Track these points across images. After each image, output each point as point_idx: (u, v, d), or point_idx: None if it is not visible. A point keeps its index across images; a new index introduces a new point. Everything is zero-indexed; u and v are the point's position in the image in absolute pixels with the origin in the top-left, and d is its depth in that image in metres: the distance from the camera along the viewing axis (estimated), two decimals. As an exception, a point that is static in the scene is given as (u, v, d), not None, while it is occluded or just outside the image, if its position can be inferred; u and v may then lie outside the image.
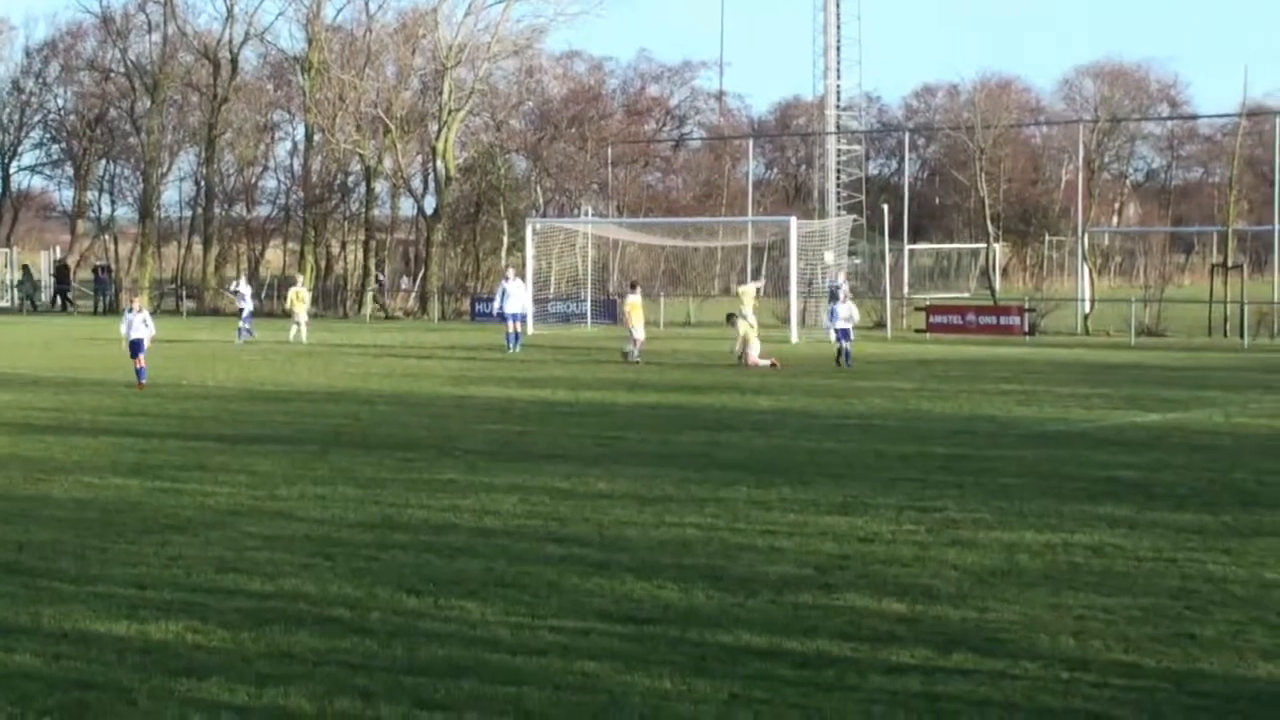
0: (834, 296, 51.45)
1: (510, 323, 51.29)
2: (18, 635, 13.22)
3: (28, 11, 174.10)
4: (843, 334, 45.00)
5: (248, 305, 59.67)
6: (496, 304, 53.17)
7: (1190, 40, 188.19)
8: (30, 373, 42.37)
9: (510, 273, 54.38)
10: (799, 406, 33.04)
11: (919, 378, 40.76)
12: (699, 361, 47.56)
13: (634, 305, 47.94)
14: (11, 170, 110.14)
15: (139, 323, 38.63)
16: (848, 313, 45.78)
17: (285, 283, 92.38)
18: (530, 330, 63.35)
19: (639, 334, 46.91)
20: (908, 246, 77.89)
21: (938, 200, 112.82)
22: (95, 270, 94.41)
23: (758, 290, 53.51)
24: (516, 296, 52.48)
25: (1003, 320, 63.38)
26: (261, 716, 11.18)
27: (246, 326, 57.76)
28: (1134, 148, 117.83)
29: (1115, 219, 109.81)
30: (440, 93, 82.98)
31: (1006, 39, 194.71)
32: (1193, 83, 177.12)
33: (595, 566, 15.86)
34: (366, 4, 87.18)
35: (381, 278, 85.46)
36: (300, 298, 60.81)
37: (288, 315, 60.98)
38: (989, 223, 77.19)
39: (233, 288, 69.47)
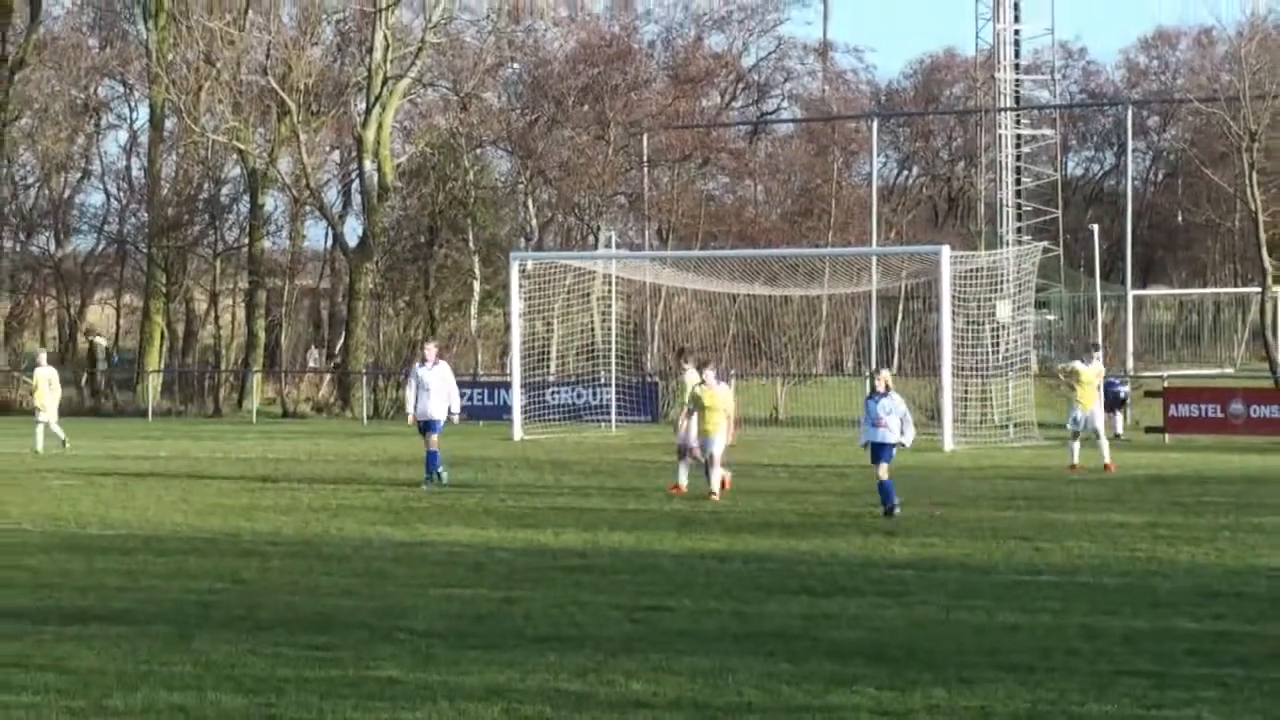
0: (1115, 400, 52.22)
1: (430, 435, 48.36)
2: None
3: None
4: (881, 452, 39.38)
5: (52, 397, 60.55)
6: (410, 401, 50.10)
7: None
8: None
9: (430, 350, 50.58)
10: (957, 556, 33.06)
11: (1153, 507, 40.76)
12: (794, 483, 47.60)
13: (704, 391, 45.13)
14: None
15: None
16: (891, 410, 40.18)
17: (122, 364, 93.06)
18: (518, 433, 63.53)
19: (703, 441, 44.21)
20: (1132, 292, 78.03)
21: (1181, 217, 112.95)
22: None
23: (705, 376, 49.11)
24: (439, 391, 48.92)
25: (1290, 413, 63.28)
26: None
27: (55, 430, 58.74)
28: None
29: None
30: (370, 50, 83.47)
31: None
32: None
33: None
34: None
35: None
36: (51, 383, 63.01)
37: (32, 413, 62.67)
38: (1264, 254, 77.16)
39: (27, 370, 69.85)
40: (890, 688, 21.05)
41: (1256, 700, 20.30)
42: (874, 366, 51.42)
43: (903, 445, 38.85)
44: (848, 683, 21.31)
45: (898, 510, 37.83)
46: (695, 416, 43.54)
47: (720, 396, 44.18)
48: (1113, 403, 63.33)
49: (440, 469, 47.66)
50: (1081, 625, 25.24)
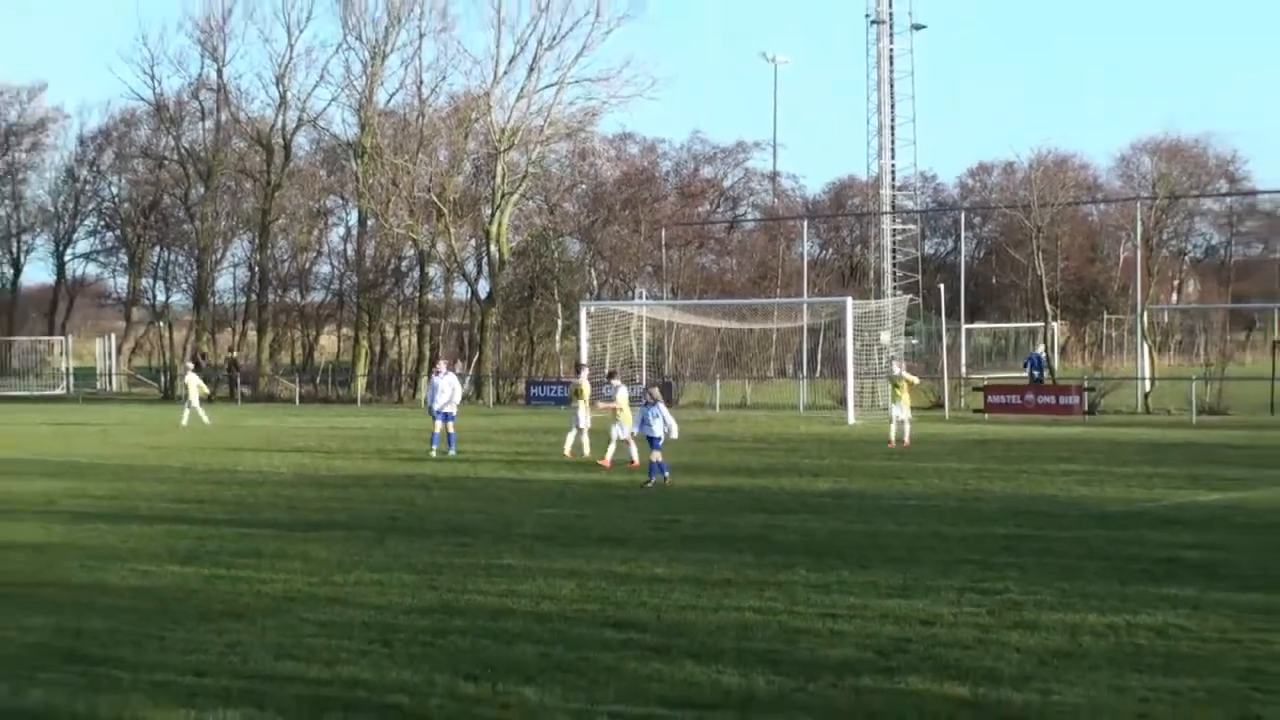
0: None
1: (440, 422, 44.32)
2: (77, 724, 13.27)
3: (82, 100, 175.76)
4: (653, 442, 35.26)
5: (195, 393, 62.32)
6: (426, 397, 47.26)
7: (1250, 114, 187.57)
8: (89, 460, 42.66)
9: (442, 365, 47.88)
10: (857, 488, 32.99)
11: (978, 458, 40.67)
12: (755, 445, 47.54)
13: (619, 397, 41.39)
14: (66, 258, 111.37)
15: None
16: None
17: (340, 369, 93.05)
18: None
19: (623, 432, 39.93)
20: (965, 326, 77.97)
21: (994, 279, 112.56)
22: (229, 361, 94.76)
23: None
24: (445, 391, 45.19)
25: (1062, 400, 63.16)
26: (321, 804, 11.20)
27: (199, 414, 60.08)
28: (1193, 224, 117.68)
29: (1175, 296, 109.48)
30: (494, 176, 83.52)
31: (1062, 115, 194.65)
32: (1252, 158, 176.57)
33: (654, 651, 15.82)
34: (419, 88, 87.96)
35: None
36: (199, 385, 64.00)
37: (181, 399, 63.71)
38: (1047, 301, 77.09)
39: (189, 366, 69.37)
40: (816, 570, 20.99)
41: (1042, 577, 20.22)
42: (645, 386, 46.12)
43: (669, 437, 35.02)
44: (790, 567, 21.25)
45: (652, 485, 33.54)
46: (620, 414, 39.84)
47: (623, 400, 40.55)
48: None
49: (452, 447, 43.45)
50: (933, 533, 25.16)
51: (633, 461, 38.54)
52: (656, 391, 36.92)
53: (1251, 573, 20.66)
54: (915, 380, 49.54)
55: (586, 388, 42.90)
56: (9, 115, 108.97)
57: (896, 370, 48.37)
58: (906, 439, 45.47)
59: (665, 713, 13.46)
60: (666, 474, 34.26)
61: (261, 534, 25.74)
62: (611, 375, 44.10)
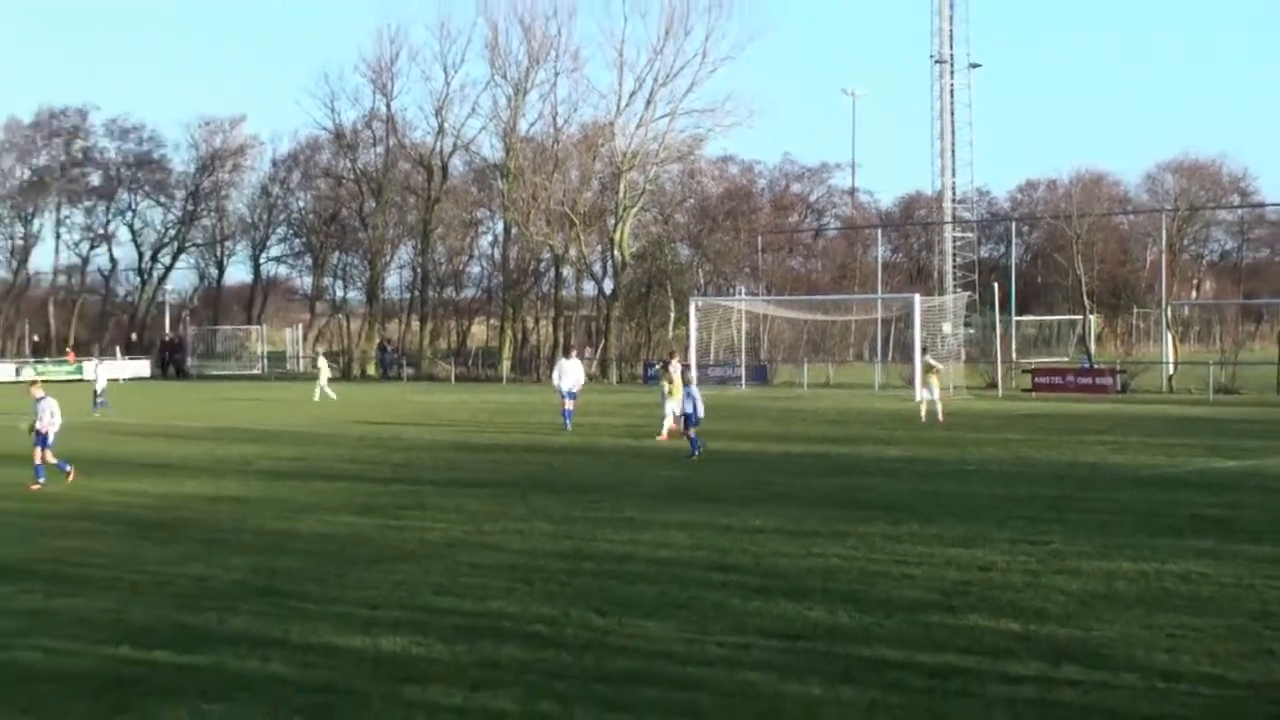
0: None
1: (566, 400, 42.53)
2: (272, 647, 13.36)
3: (274, 129, 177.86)
4: (690, 419, 33.43)
5: (324, 374, 63.10)
6: (555, 379, 44.43)
7: (1260, 135, 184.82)
8: (278, 428, 43.02)
9: (571, 351, 46.51)
10: (924, 455, 32.75)
11: (1026, 430, 40.31)
12: (836, 418, 47.34)
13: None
14: (261, 261, 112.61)
15: (46, 413, 28.04)
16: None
17: (488, 353, 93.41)
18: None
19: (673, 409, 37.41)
20: (1014, 318, 77.20)
21: (1040, 279, 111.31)
22: (381, 345, 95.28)
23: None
24: (571, 374, 43.59)
25: (1098, 381, 62.66)
26: (474, 716, 11.21)
27: (327, 391, 60.50)
28: (1209, 232, 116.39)
29: (1194, 293, 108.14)
30: (617, 192, 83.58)
31: (1098, 139, 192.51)
32: (1261, 174, 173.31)
33: (753, 591, 15.78)
34: (554, 118, 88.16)
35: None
36: (328, 365, 65.65)
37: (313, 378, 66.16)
38: (1085, 297, 76.43)
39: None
40: (890, 523, 20.86)
41: (1082, 531, 20.02)
42: (669, 366, 41.82)
43: (699, 417, 32.92)
44: (867, 521, 21.13)
45: (696, 455, 31.94)
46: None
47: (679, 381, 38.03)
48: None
49: (569, 422, 41.53)
50: (989, 493, 24.96)
51: (664, 434, 37.70)
52: (691, 374, 36.32)
53: (1263, 528, 20.36)
54: (941, 367, 48.80)
55: (677, 374, 41.04)
56: (215, 142, 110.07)
57: (929, 359, 47.99)
58: (940, 415, 44.32)
59: (763, 642, 13.41)
60: (696, 453, 32.41)
61: (424, 490, 25.86)
62: (672, 355, 43.74)
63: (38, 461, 27.34)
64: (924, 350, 54.81)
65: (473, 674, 12.35)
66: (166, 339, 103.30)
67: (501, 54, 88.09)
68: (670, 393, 38.25)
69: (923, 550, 18.51)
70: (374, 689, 11.94)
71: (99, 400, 51.80)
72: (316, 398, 59.22)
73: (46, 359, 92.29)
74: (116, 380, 74.14)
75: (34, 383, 29.61)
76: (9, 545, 19.85)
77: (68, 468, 27.66)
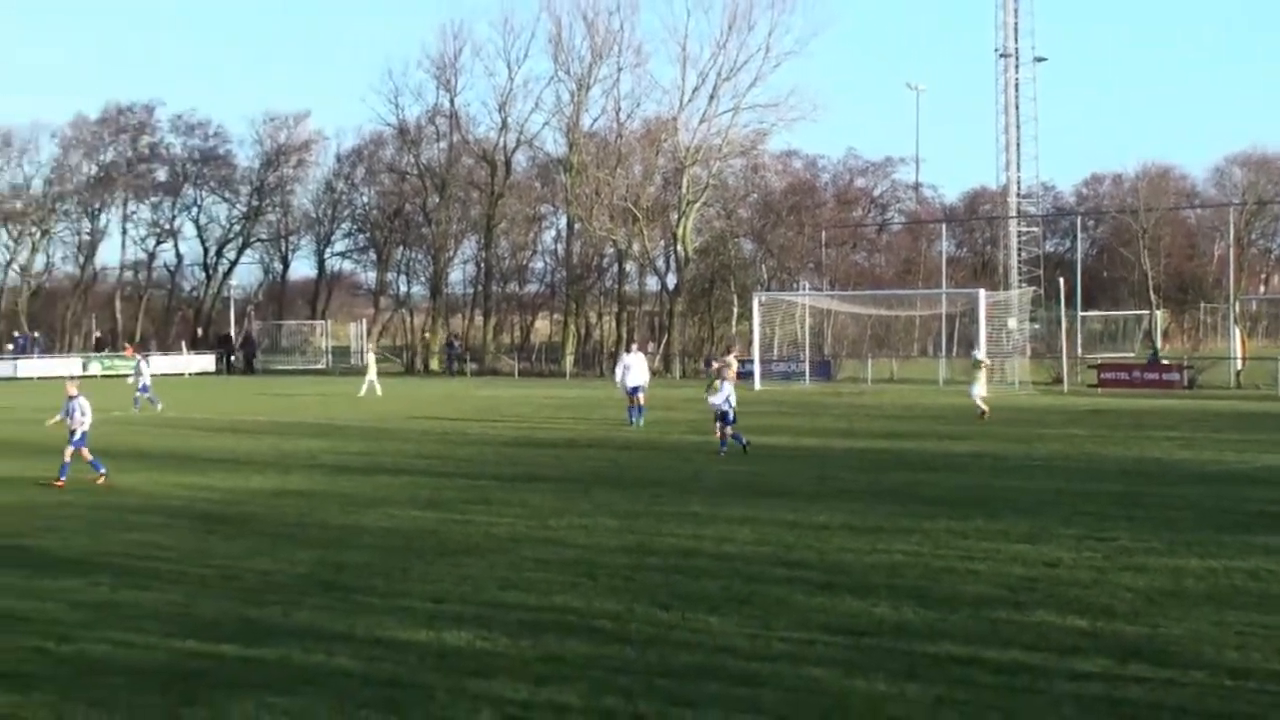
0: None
1: (632, 396, 41.89)
2: (338, 641, 13.43)
3: (338, 125, 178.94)
4: (727, 416, 32.58)
5: (373, 368, 62.89)
6: (618, 377, 43.44)
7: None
8: (344, 422, 43.24)
9: (634, 346, 45.95)
10: (990, 450, 32.59)
11: (1092, 426, 40.04)
12: (901, 413, 47.16)
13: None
14: (326, 256, 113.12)
15: (77, 411, 27.82)
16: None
17: (551, 348, 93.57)
18: (757, 386, 63.34)
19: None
20: (1080, 313, 76.65)
21: (1105, 274, 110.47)
22: (449, 340, 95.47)
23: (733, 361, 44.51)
24: (636, 370, 42.55)
25: (1165, 376, 62.19)
26: (539, 711, 11.24)
27: (375, 385, 60.25)
28: (1278, 226, 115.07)
29: (1262, 288, 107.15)
30: (679, 187, 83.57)
31: (1164, 132, 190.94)
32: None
33: (818, 587, 15.75)
34: (617, 113, 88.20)
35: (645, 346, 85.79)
36: (375, 360, 65.81)
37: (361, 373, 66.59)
38: (1151, 292, 75.93)
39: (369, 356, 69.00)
40: (955, 519, 20.78)
41: (1149, 527, 19.87)
42: (710, 363, 39.73)
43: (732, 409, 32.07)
44: (933, 517, 21.05)
45: (747, 446, 31.74)
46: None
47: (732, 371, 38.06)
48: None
49: (640, 418, 41.20)
50: (1055, 489, 24.81)
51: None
52: (728, 370, 36.14)
53: (1333, 525, 20.17)
54: (989, 363, 48.38)
55: (732, 369, 39.65)
56: (279, 138, 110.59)
57: (976, 355, 47.62)
58: (980, 412, 43.71)
59: (828, 639, 13.38)
60: (723, 450, 31.88)
61: (488, 485, 25.93)
62: (729, 350, 43.44)
63: (66, 459, 27.11)
64: (973, 347, 54.51)
65: (537, 668, 12.39)
66: (226, 334, 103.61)
67: (565, 49, 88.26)
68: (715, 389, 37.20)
69: (988, 546, 18.42)
70: (439, 683, 11.99)
71: (146, 395, 50.78)
72: (362, 392, 59.30)
73: (108, 353, 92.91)
74: (181, 375, 74.30)
75: (71, 378, 29.89)
76: (77, 538, 20.04)
77: (102, 468, 27.44)
